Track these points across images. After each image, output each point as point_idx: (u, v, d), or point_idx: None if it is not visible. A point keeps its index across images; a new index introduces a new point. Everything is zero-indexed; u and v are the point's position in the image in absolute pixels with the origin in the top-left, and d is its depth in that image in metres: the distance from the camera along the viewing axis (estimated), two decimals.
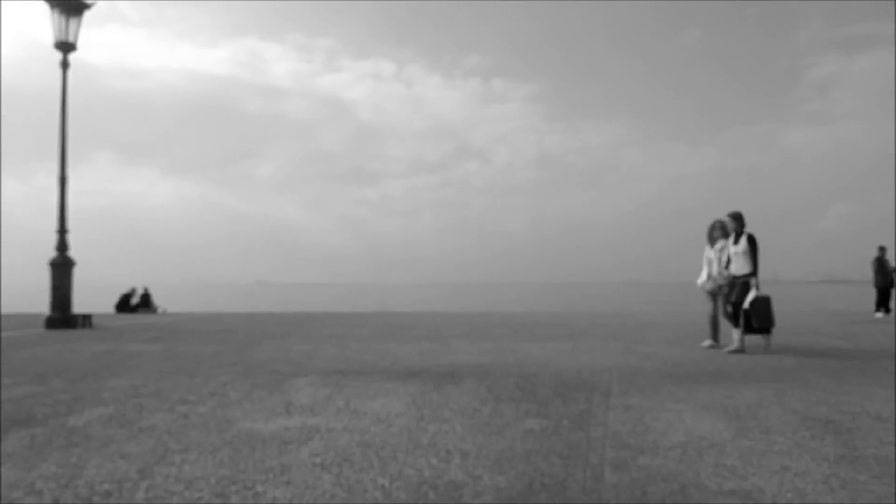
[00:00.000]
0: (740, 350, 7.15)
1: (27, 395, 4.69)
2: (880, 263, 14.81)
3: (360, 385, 5.02)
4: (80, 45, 11.66)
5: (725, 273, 7.59)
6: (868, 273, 15.17)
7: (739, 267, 7.40)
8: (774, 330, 7.35)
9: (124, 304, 19.59)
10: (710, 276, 7.88)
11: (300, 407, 4.18)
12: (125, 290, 20.35)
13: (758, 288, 7.22)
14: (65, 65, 11.41)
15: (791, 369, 5.87)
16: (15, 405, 4.28)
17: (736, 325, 7.33)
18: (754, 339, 7.37)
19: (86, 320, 11.74)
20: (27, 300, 24.64)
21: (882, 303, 14.51)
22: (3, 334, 10.07)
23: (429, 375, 5.52)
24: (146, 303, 19.79)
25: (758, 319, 7.15)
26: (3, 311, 17.56)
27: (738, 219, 7.52)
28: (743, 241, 7.38)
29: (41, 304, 12.41)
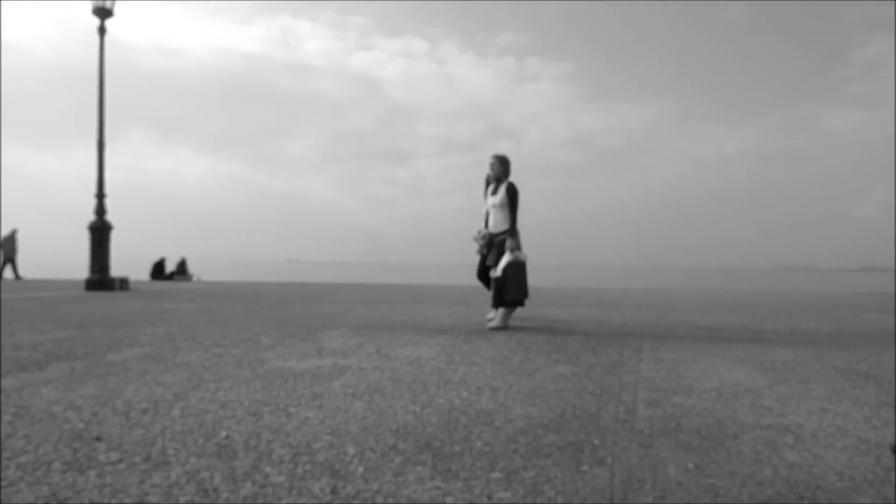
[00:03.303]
0: (502, 326, 5.73)
1: (67, 337, 4.81)
2: None
3: (390, 336, 5.05)
4: (115, 22, 11.82)
5: (483, 231, 6.08)
6: None
7: (496, 223, 5.95)
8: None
9: (159, 272, 20.00)
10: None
11: (332, 351, 4.22)
12: (157, 259, 20.75)
13: (514, 250, 5.76)
14: (102, 31, 11.57)
15: (831, 334, 5.73)
16: (56, 345, 4.40)
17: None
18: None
19: (123, 283, 12.02)
20: (69, 272, 25.32)
21: None
22: (45, 294, 10.37)
23: (458, 331, 5.51)
24: (182, 270, 20.19)
25: (511, 290, 5.70)
26: (46, 277, 18.06)
27: (503, 163, 5.98)
28: (501, 190, 5.90)
29: (82, 274, 12.70)
